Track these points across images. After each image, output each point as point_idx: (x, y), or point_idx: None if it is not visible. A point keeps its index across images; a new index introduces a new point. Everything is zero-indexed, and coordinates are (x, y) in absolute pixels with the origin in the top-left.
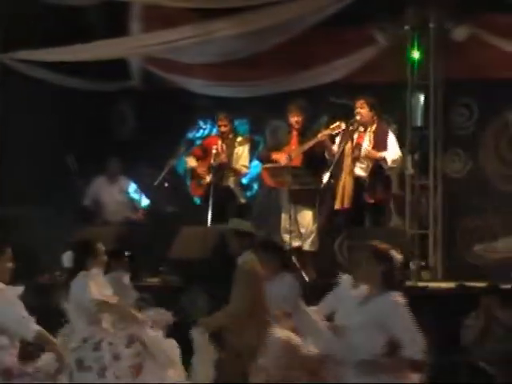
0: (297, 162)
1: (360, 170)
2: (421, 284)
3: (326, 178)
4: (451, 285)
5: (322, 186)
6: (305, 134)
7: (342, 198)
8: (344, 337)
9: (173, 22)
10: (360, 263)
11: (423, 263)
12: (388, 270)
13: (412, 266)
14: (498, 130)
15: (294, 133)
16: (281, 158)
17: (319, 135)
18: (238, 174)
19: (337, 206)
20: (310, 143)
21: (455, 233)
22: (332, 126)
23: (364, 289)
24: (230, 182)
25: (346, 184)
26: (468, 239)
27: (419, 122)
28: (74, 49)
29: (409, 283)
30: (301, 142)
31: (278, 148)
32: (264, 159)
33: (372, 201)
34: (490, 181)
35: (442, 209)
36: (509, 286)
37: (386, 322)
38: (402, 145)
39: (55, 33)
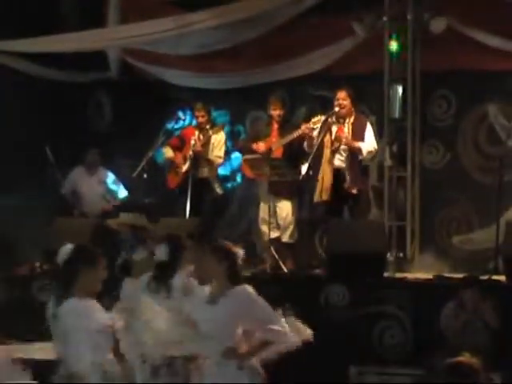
0: (277, 153)
1: (339, 162)
2: (398, 275)
3: (304, 169)
4: (429, 276)
5: (301, 177)
6: (284, 126)
7: (321, 190)
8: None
9: (151, 13)
10: (201, 263)
11: (401, 254)
12: (231, 266)
13: (390, 257)
14: (475, 121)
15: (275, 125)
16: (260, 146)
17: (302, 128)
18: (212, 165)
19: (316, 198)
20: (294, 136)
21: (433, 224)
22: (314, 120)
23: (209, 288)
24: (206, 172)
25: (324, 176)
26: (445, 231)
27: (397, 114)
28: (51, 40)
29: (387, 274)
30: (281, 133)
31: (257, 139)
32: (243, 150)
33: (354, 191)
34: (468, 172)
35: (419, 200)
36: (486, 278)
37: (241, 316)
38: (380, 136)
39: (31, 23)
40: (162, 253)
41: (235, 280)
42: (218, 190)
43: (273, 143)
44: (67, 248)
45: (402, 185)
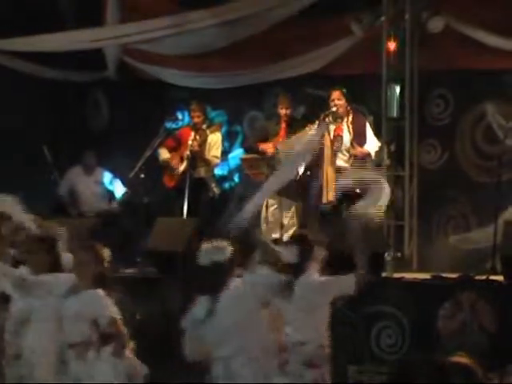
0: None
1: (342, 161)
2: (396, 275)
3: (301, 170)
4: (427, 276)
5: (298, 177)
6: (292, 125)
7: (327, 192)
8: None
9: (150, 11)
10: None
11: (399, 254)
12: (96, 267)
13: (387, 257)
14: (473, 121)
15: (283, 124)
16: (267, 147)
17: (307, 129)
18: (209, 165)
19: (324, 199)
20: (301, 136)
21: (430, 224)
22: (319, 119)
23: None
24: (202, 172)
25: (328, 177)
26: (443, 230)
27: (395, 113)
28: (48, 39)
29: (384, 274)
30: (289, 134)
31: (265, 139)
32: (249, 149)
33: (358, 191)
34: (466, 172)
35: (417, 200)
36: (483, 278)
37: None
38: (377, 136)
39: (27, 21)
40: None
41: (100, 282)
42: (215, 190)
43: (280, 144)
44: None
45: (399, 184)
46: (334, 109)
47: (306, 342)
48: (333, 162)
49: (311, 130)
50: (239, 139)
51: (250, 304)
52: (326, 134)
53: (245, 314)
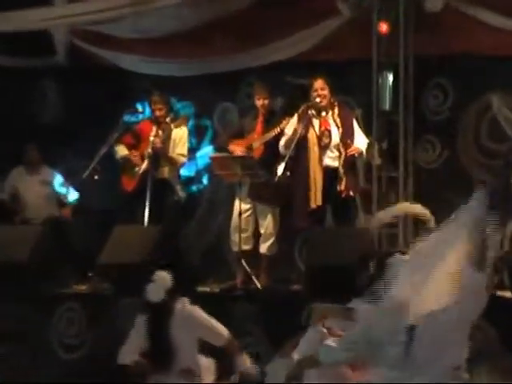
0: (257, 153)
1: (330, 160)
2: None
3: (280, 169)
4: None
5: (277, 178)
6: (270, 119)
7: (315, 195)
8: None
9: None
10: None
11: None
12: None
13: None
14: (477, 114)
15: (260, 118)
16: (236, 149)
17: (280, 125)
18: (174, 164)
19: (312, 203)
20: (271, 134)
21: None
22: (299, 112)
23: None
24: (166, 173)
25: (316, 177)
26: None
27: (387, 106)
28: None
29: None
30: (266, 129)
31: (240, 135)
32: (221, 147)
33: (351, 194)
34: (468, 172)
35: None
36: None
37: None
38: (368, 131)
39: None
40: None
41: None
42: (181, 193)
43: (254, 140)
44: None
45: (393, 186)
46: (317, 100)
47: None
48: (320, 161)
49: (288, 125)
50: (208, 135)
51: None
52: (311, 128)
53: None
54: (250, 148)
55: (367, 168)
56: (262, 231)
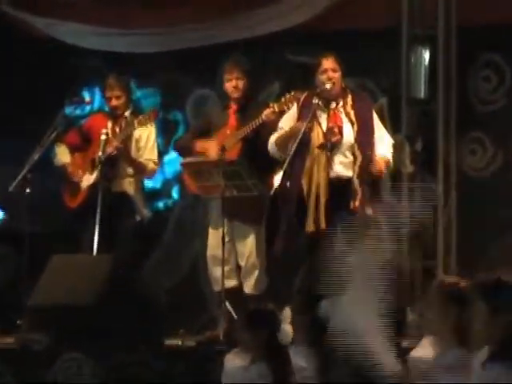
0: (233, 154)
1: (341, 167)
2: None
3: (277, 179)
4: None
5: (273, 191)
6: (247, 110)
7: (316, 214)
8: None
9: None
10: None
11: None
12: None
13: (412, 315)
14: None
15: (232, 107)
16: (211, 147)
17: (264, 113)
18: (140, 173)
19: (309, 227)
20: (251, 126)
21: (479, 262)
22: (285, 99)
23: None
24: (125, 185)
25: (320, 190)
26: (499, 271)
27: (422, 93)
28: None
29: (406, 344)
30: (241, 121)
31: (207, 132)
32: (184, 149)
33: (369, 213)
34: None
35: (456, 228)
36: None
37: None
38: (395, 128)
39: None
40: None
41: None
42: (144, 212)
43: (227, 138)
44: None
45: (429, 201)
46: (327, 85)
47: None
48: (326, 168)
49: (284, 118)
50: (180, 132)
51: None
52: (316, 124)
53: None
54: (222, 149)
55: (394, 177)
56: (241, 263)
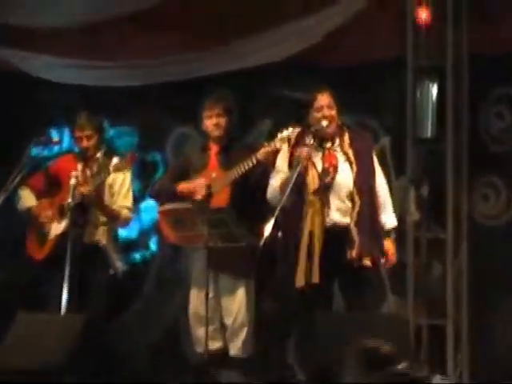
0: (221, 201)
1: (338, 214)
2: None
3: (268, 228)
4: None
5: (263, 241)
6: (231, 151)
7: (307, 266)
8: None
9: None
10: None
11: (439, 375)
12: None
13: (420, 371)
14: None
15: (213, 148)
16: (197, 189)
17: (262, 152)
18: (112, 222)
19: (299, 280)
20: (243, 168)
21: (491, 324)
22: (284, 135)
23: None
24: (100, 235)
25: (313, 239)
26: (509, 330)
27: (429, 131)
28: None
29: None
30: (224, 164)
31: (186, 175)
32: (161, 195)
33: (366, 262)
34: None
35: (467, 282)
36: None
37: None
38: (399, 170)
39: None
40: None
41: None
42: (118, 265)
43: (213, 181)
44: None
45: (437, 254)
46: (323, 123)
47: None
48: (322, 214)
49: (279, 158)
50: (159, 174)
51: None
52: (311, 166)
53: None
54: (209, 194)
55: (398, 225)
56: (227, 322)
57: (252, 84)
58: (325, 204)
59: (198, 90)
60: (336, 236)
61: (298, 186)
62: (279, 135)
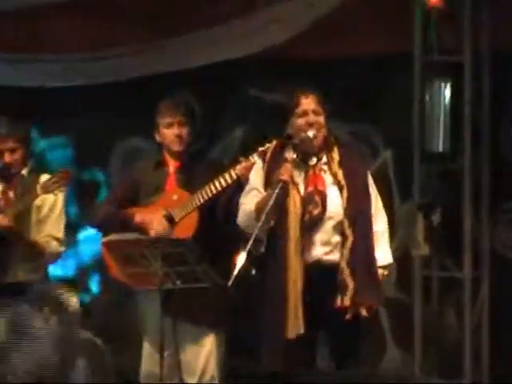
0: (185, 228)
1: (324, 250)
2: None
3: (240, 262)
4: None
5: (231, 282)
6: (194, 169)
7: (291, 315)
8: None
9: None
10: None
11: None
12: None
13: None
14: None
15: (172, 164)
16: (154, 219)
17: (236, 169)
18: (39, 257)
19: (291, 333)
20: (215, 189)
21: None
22: (261, 150)
23: None
24: (21, 275)
25: (296, 280)
26: None
27: (441, 146)
28: None
29: None
30: (185, 184)
31: (135, 198)
32: (106, 223)
33: (364, 313)
34: None
35: (489, 333)
36: None
37: None
38: (404, 193)
39: None
40: None
41: None
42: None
43: (175, 206)
44: None
45: (452, 298)
46: (309, 133)
47: None
48: (302, 250)
49: (254, 176)
50: (101, 197)
51: None
52: (292, 187)
53: None
54: (171, 222)
55: (404, 262)
56: (190, 382)
57: (219, 84)
58: (306, 236)
59: (151, 91)
60: (321, 277)
61: (276, 212)
62: (260, 149)
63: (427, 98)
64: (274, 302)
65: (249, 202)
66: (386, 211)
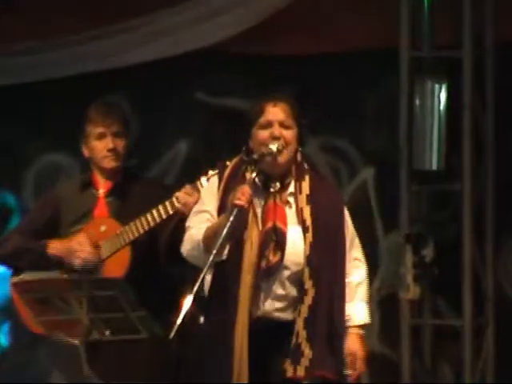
0: (115, 265)
1: (276, 305)
2: None
3: (185, 308)
4: None
5: (174, 332)
6: (128, 191)
7: (238, 373)
8: None
9: None
10: None
11: None
12: None
13: None
14: None
15: (102, 186)
16: (74, 245)
17: (178, 197)
18: None
19: None
20: (154, 219)
21: None
22: (209, 175)
23: None
24: None
25: (243, 338)
26: None
27: (433, 161)
28: None
29: None
30: (118, 210)
31: (57, 226)
32: (16, 258)
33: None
34: None
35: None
36: None
37: None
38: (388, 220)
39: None
40: None
41: None
42: None
43: (104, 238)
44: None
45: (448, 352)
46: (272, 146)
47: None
48: (250, 305)
49: (207, 197)
50: (12, 225)
51: None
52: (251, 214)
53: None
54: (99, 258)
55: (386, 306)
56: None
57: (159, 85)
58: (258, 285)
59: (75, 94)
60: (271, 337)
61: (227, 246)
62: (210, 172)
63: (416, 102)
64: (217, 356)
65: (197, 226)
66: (366, 243)
